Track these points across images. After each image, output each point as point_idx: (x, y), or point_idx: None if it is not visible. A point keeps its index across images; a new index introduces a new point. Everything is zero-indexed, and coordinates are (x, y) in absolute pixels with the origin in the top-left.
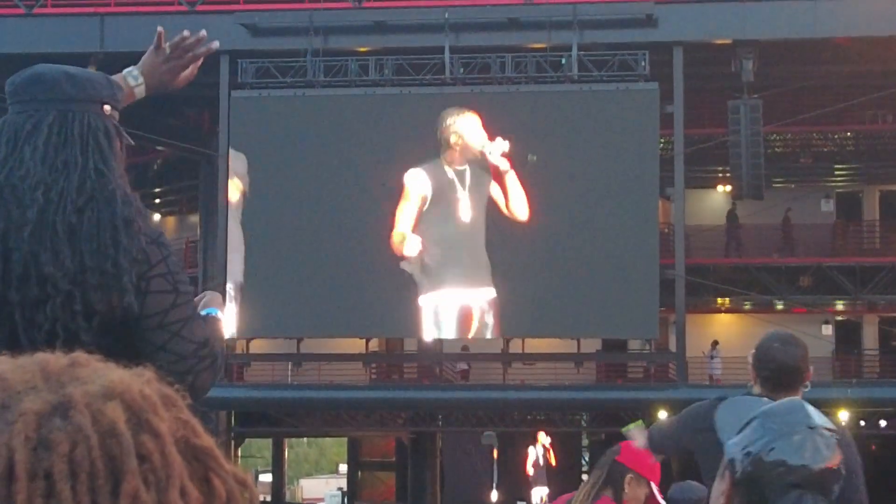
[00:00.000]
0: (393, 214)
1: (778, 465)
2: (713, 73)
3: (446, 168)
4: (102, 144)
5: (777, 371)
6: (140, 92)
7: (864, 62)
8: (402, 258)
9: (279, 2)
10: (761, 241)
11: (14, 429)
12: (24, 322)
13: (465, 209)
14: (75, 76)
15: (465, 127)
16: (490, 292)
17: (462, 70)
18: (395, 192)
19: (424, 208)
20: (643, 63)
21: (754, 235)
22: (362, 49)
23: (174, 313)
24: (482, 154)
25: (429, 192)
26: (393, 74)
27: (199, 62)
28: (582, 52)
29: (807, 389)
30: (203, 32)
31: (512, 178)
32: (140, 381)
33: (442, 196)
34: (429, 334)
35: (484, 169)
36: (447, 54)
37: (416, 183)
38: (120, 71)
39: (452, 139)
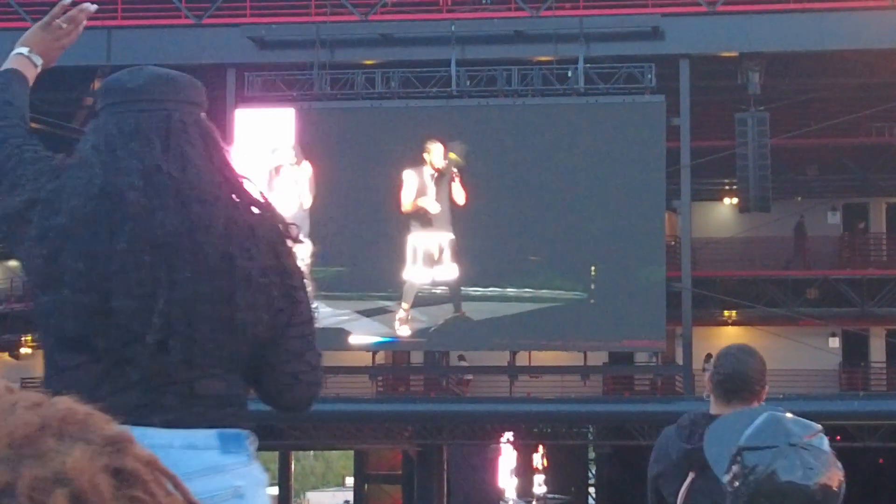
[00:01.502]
0: (397, 234)
1: (776, 492)
2: (719, 85)
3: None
4: (228, 150)
5: (729, 377)
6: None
7: (871, 74)
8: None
9: (286, 15)
10: (768, 253)
11: None
12: (208, 315)
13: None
14: (194, 81)
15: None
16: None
17: (468, 83)
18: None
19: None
20: (649, 75)
21: (760, 247)
22: (369, 62)
23: (312, 325)
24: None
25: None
26: (399, 87)
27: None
28: (588, 65)
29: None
30: (90, 6)
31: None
32: (99, 463)
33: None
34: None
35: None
36: (453, 67)
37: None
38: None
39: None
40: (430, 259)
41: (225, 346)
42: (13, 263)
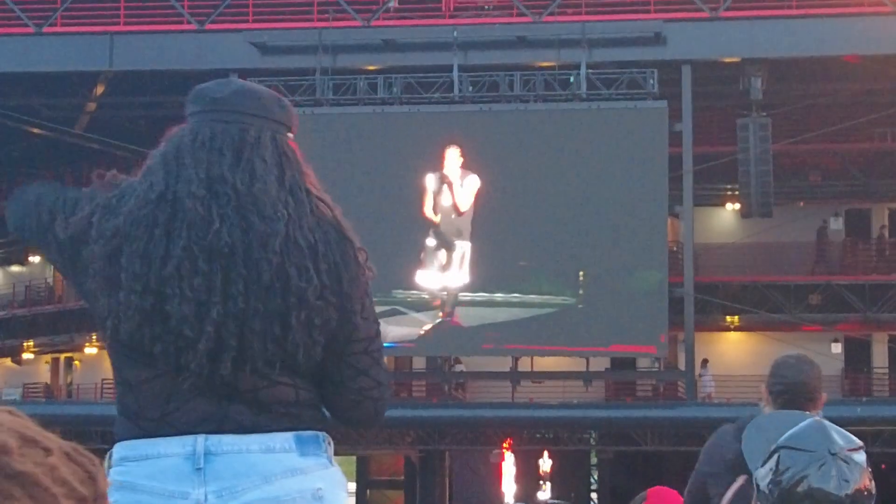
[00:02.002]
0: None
1: (806, 496)
2: (722, 91)
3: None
4: (305, 171)
5: (789, 386)
6: None
7: (873, 80)
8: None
9: (288, 20)
10: (770, 259)
11: None
12: (262, 333)
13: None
14: (281, 101)
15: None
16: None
17: (471, 88)
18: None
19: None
20: (652, 81)
21: (763, 253)
22: (371, 67)
23: (378, 341)
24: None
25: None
26: (402, 93)
27: None
28: (591, 71)
29: (818, 417)
30: None
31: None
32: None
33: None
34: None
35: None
36: (456, 72)
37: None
38: (131, 88)
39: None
40: (440, 264)
41: (276, 364)
42: (15, 268)
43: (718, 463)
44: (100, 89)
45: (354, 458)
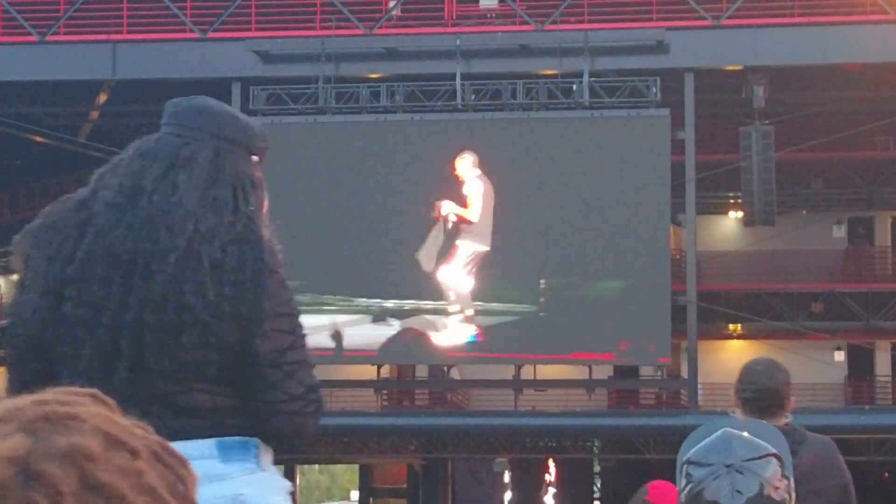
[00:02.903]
0: (402, 242)
1: None
2: (724, 99)
3: None
4: (249, 191)
5: (758, 392)
6: None
7: (876, 88)
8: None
9: (291, 29)
10: (773, 267)
11: None
12: (155, 345)
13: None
14: (239, 120)
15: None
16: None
17: (473, 96)
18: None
19: None
20: (654, 89)
21: (766, 261)
22: (374, 76)
23: (290, 354)
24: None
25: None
26: (404, 101)
27: None
28: (593, 79)
29: (788, 420)
30: None
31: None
32: (10, 455)
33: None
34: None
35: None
36: (458, 81)
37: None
38: (133, 96)
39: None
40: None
41: (171, 379)
42: (15, 277)
43: None
44: (102, 98)
45: (357, 466)
